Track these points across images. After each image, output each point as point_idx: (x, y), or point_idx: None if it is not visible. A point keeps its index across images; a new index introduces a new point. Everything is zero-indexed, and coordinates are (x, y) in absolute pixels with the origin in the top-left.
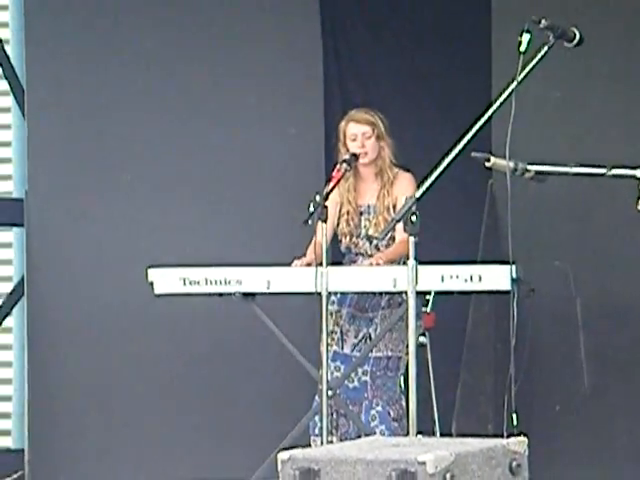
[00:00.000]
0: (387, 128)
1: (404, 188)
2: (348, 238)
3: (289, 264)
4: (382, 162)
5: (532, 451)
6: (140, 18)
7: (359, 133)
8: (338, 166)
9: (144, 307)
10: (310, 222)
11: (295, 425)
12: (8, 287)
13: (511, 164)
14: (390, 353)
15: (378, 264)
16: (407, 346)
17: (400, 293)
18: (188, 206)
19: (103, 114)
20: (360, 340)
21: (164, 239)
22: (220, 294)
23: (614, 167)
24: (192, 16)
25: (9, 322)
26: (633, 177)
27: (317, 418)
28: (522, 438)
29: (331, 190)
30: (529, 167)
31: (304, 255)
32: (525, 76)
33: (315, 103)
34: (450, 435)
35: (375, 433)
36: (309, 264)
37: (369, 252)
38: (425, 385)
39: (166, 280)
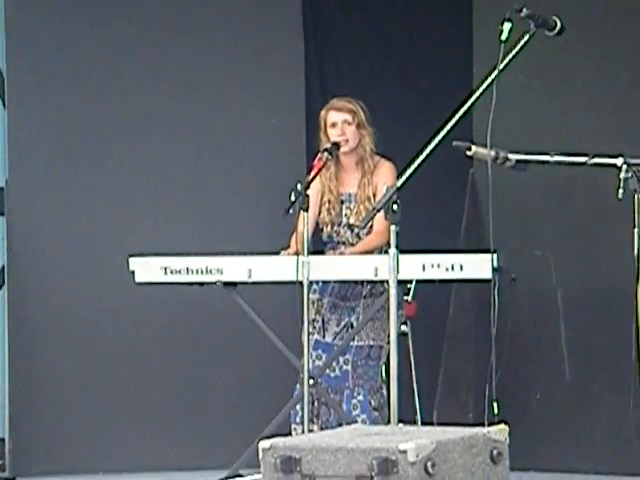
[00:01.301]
0: (368, 117)
1: (384, 176)
2: (329, 227)
3: (270, 253)
4: (363, 150)
5: (513, 439)
6: (122, 5)
7: (339, 121)
8: (319, 155)
9: (125, 296)
10: (291, 211)
11: (276, 414)
12: None
13: (492, 153)
14: (372, 342)
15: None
16: (389, 335)
17: (382, 282)
18: (169, 195)
19: (84, 102)
20: (342, 329)
21: (145, 228)
22: (201, 283)
23: (595, 156)
24: (175, 8)
25: None
26: (614, 166)
27: (298, 407)
28: (503, 426)
29: (312, 179)
30: (510, 156)
31: (288, 246)
32: (506, 65)
33: (296, 92)
34: (431, 424)
35: (356, 422)
36: (296, 254)
37: (350, 241)
38: (406, 374)
39: (147, 269)
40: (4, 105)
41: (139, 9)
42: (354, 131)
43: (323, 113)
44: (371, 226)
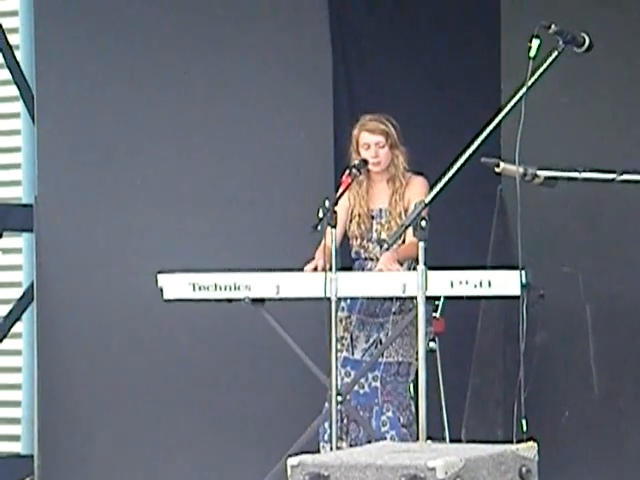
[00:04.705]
0: (400, 134)
1: (417, 191)
2: (358, 241)
3: (298, 269)
4: (395, 169)
5: (542, 457)
6: (150, 24)
7: (372, 143)
8: (347, 171)
9: (154, 312)
10: (319, 227)
11: (304, 431)
12: (18, 292)
13: (520, 169)
14: (401, 359)
15: (389, 269)
16: (417, 352)
17: (411, 298)
18: (198, 211)
19: (112, 119)
20: (370, 345)
21: (174, 244)
22: (229, 300)
23: (624, 172)
24: (201, 22)
25: (19, 327)
26: None
27: (327, 424)
28: (532, 444)
29: (340, 195)
30: (538, 172)
31: (313, 258)
32: (535, 81)
33: (324, 107)
34: (460, 441)
35: (385, 439)
36: (317, 267)
37: (379, 256)
38: (435, 391)
39: (175, 285)
40: (34, 122)
41: (168, 28)
42: (387, 152)
43: (356, 132)
44: (403, 241)
